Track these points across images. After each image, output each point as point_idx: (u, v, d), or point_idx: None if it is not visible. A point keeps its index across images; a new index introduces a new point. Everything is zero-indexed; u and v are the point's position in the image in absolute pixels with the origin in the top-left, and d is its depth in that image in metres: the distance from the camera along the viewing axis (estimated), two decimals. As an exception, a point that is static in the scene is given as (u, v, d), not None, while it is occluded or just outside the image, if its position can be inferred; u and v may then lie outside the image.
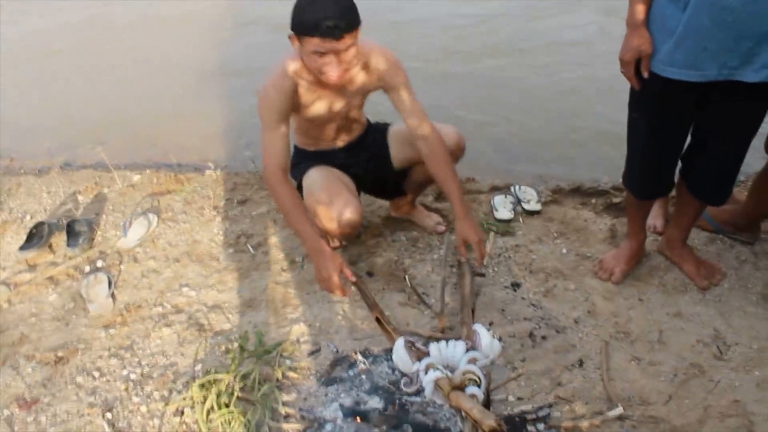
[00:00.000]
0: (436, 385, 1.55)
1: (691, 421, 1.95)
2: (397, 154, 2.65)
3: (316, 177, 2.47)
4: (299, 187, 2.58)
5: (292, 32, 2.08)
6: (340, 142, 2.60)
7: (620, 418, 1.95)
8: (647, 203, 2.49)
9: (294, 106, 2.30)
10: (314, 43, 2.00)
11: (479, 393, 1.50)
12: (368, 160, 2.65)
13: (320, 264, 2.14)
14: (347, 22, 2.00)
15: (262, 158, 2.31)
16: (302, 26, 2.01)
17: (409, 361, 1.67)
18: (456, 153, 2.56)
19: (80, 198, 3.41)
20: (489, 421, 1.36)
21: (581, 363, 2.16)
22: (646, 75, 2.03)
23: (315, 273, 2.21)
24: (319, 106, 2.35)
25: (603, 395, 2.04)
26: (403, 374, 1.72)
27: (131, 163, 3.89)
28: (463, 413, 1.46)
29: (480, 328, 1.72)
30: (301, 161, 2.58)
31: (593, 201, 3.09)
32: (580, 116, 4.09)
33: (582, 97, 4.30)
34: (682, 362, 2.16)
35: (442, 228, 2.87)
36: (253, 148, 4.03)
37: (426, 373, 1.59)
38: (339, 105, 2.39)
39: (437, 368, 1.58)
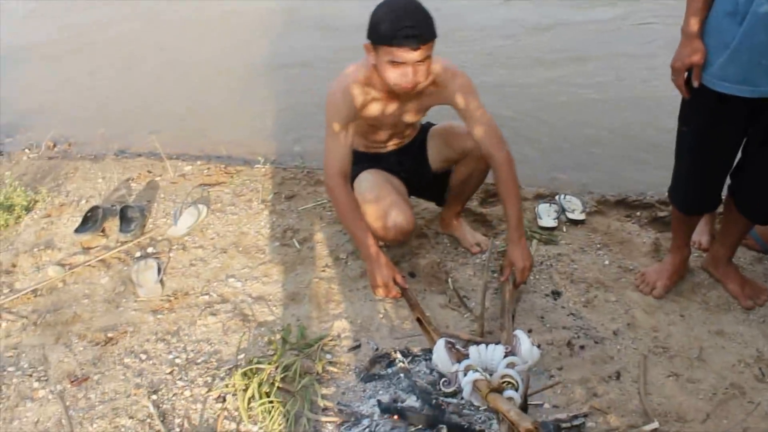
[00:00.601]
0: (475, 386, 1.59)
1: (728, 441, 1.95)
2: (434, 154, 2.67)
3: (367, 180, 2.52)
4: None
5: (368, 40, 2.13)
6: (392, 146, 2.64)
7: (655, 432, 1.95)
8: (693, 219, 2.48)
9: (359, 112, 2.34)
10: (391, 53, 2.06)
11: (517, 396, 1.52)
12: (411, 162, 2.68)
13: (375, 271, 2.26)
14: (424, 34, 2.05)
15: (323, 162, 2.38)
16: (379, 36, 2.07)
17: (449, 362, 1.71)
18: (487, 152, 2.54)
19: (133, 185, 3.51)
20: (526, 423, 1.39)
21: (618, 375, 2.17)
22: (696, 84, 2.03)
23: (369, 278, 2.32)
24: (383, 114, 2.39)
25: (639, 409, 2.04)
26: (442, 374, 1.76)
27: (182, 153, 3.99)
28: (501, 415, 1.49)
29: (521, 334, 1.74)
30: (353, 162, 2.62)
31: (638, 214, 3.08)
32: (632, 128, 4.07)
33: (636, 110, 4.27)
34: (722, 381, 2.15)
35: (477, 249, 2.83)
36: (301, 143, 4.12)
37: (465, 374, 1.62)
38: (402, 116, 2.44)
39: (476, 370, 1.61)
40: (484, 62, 5.04)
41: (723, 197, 2.41)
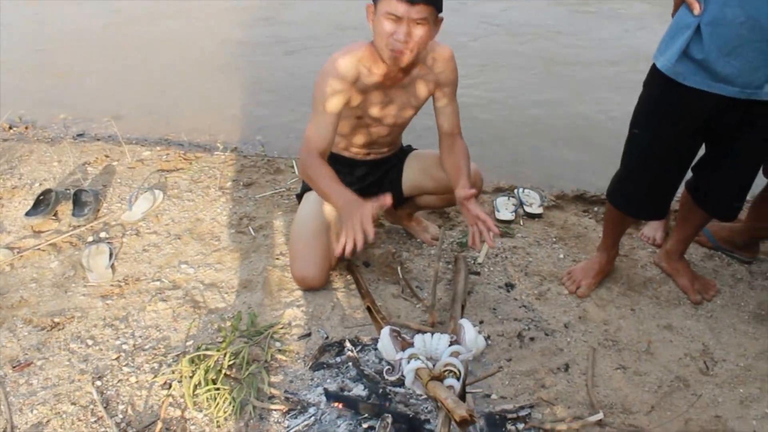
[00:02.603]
0: (417, 374, 1.58)
1: (671, 433, 1.97)
2: (410, 179, 2.62)
3: (308, 214, 2.51)
4: (299, 197, 2.66)
5: (371, 1, 2.11)
6: (369, 155, 2.58)
7: (600, 424, 1.96)
8: (627, 221, 2.49)
9: (350, 93, 2.27)
10: (389, 4, 2.01)
11: (457, 385, 1.52)
12: (382, 177, 2.64)
13: (352, 210, 2.00)
14: None
15: (304, 136, 2.28)
16: None
17: (393, 350, 1.70)
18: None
19: (89, 169, 3.45)
20: (461, 411, 1.38)
21: (567, 367, 2.18)
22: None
23: (344, 221, 2.03)
24: (374, 99, 2.34)
25: (586, 401, 2.06)
26: (387, 362, 1.75)
27: (142, 138, 3.94)
28: (439, 403, 1.49)
29: (465, 323, 1.74)
30: None
31: (596, 209, 3.11)
32: (595, 124, 4.12)
33: (600, 108, 4.32)
34: (668, 374, 2.18)
35: (433, 242, 2.81)
36: (264, 132, 4.11)
37: (408, 362, 1.62)
38: (394, 104, 2.38)
39: (419, 358, 1.61)
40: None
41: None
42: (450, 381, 1.53)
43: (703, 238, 2.83)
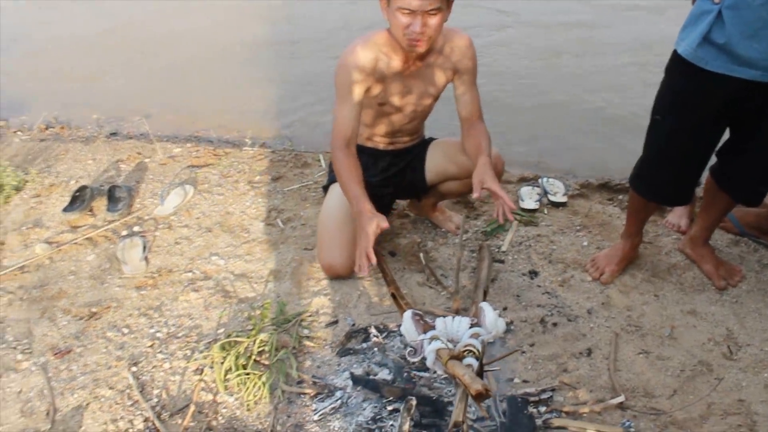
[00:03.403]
0: (437, 354, 1.62)
1: (693, 416, 1.99)
2: (433, 166, 2.66)
3: (332, 202, 2.59)
4: (325, 189, 2.73)
5: None
6: (392, 146, 2.64)
7: (622, 407, 1.99)
8: (650, 208, 2.50)
9: (370, 81, 2.33)
10: (402, 0, 2.08)
11: (475, 364, 1.56)
12: (405, 168, 2.69)
13: (362, 225, 2.18)
14: None
15: (332, 128, 2.37)
16: None
17: (415, 333, 1.74)
18: None
19: (122, 166, 3.55)
20: (476, 385, 1.43)
21: (590, 352, 2.21)
22: None
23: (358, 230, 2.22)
24: (393, 88, 2.39)
25: (608, 385, 2.08)
26: (410, 345, 1.79)
27: (173, 136, 4.02)
28: (457, 380, 1.53)
29: (485, 306, 1.78)
30: None
31: (620, 197, 3.12)
32: (621, 113, 4.12)
33: (626, 95, 4.31)
34: (691, 359, 2.19)
35: (458, 231, 2.85)
36: (291, 128, 4.17)
37: (429, 343, 1.66)
38: (413, 92, 2.43)
39: (440, 340, 1.65)
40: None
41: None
42: (469, 360, 1.58)
43: (729, 224, 2.82)
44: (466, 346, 1.63)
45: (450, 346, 1.65)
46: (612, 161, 3.57)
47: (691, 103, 2.14)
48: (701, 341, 2.26)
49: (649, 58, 4.77)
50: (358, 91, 2.32)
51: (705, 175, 2.41)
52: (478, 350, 1.61)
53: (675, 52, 2.13)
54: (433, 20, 2.14)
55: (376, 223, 2.13)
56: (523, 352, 2.19)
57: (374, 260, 2.08)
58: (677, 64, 2.12)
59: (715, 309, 2.41)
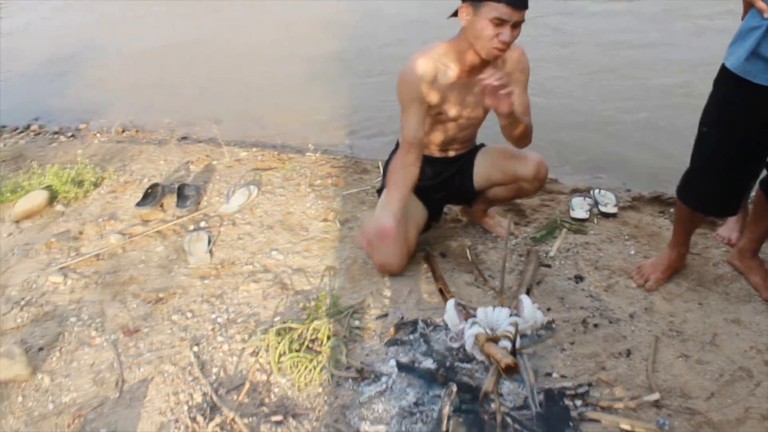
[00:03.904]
0: (476, 339, 1.73)
1: (730, 419, 2.02)
2: (481, 172, 2.76)
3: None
4: (379, 191, 2.85)
5: (466, 1, 2.29)
6: (445, 154, 2.76)
7: (657, 405, 2.04)
8: (697, 218, 2.53)
9: (430, 91, 2.46)
10: (498, 9, 2.20)
11: (509, 345, 1.66)
12: (455, 173, 2.80)
13: (365, 226, 2.39)
14: None
15: (400, 137, 2.54)
16: None
17: (457, 320, 1.85)
18: (533, 183, 2.67)
19: (192, 167, 3.77)
20: (507, 359, 1.53)
21: (629, 353, 2.27)
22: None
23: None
24: (450, 98, 2.52)
25: (644, 384, 2.14)
26: (452, 331, 1.90)
27: (240, 141, 4.25)
28: (491, 359, 1.63)
29: (524, 298, 1.88)
30: None
31: (671, 210, 3.15)
32: (675, 128, 4.13)
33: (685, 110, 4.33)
34: (731, 365, 2.23)
35: (515, 234, 2.97)
36: (352, 137, 4.33)
37: (470, 328, 1.77)
38: (468, 103, 2.55)
39: (479, 325, 1.76)
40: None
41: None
42: (504, 343, 1.68)
43: (781, 238, 2.83)
44: (503, 331, 1.72)
45: (488, 331, 1.75)
46: (666, 176, 3.60)
47: (737, 115, 2.19)
48: (743, 348, 2.29)
49: (706, 75, 4.77)
50: (420, 101, 2.45)
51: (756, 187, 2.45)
52: (512, 334, 1.70)
53: (723, 65, 2.19)
54: (517, 31, 2.29)
55: (381, 222, 2.33)
56: (563, 350, 2.27)
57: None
58: (725, 78, 2.18)
59: (760, 319, 2.43)
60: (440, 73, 2.44)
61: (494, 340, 1.68)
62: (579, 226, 3.01)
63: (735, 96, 2.17)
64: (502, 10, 2.20)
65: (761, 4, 2.00)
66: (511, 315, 1.81)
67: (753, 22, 2.05)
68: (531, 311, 1.81)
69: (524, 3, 2.22)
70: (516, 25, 2.25)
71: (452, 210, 3.15)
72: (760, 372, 2.19)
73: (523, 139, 2.52)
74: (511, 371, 1.53)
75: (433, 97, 2.48)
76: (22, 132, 4.66)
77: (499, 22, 2.22)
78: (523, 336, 2.12)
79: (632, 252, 2.83)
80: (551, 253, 2.83)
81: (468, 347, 1.74)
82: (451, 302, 1.89)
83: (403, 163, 2.49)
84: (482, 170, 2.75)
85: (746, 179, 2.36)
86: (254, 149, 4.02)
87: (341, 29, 6.38)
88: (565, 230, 2.97)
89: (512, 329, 1.71)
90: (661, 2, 6.24)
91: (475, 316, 1.83)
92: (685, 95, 4.51)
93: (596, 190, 3.29)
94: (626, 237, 2.94)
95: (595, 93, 4.78)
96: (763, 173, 2.44)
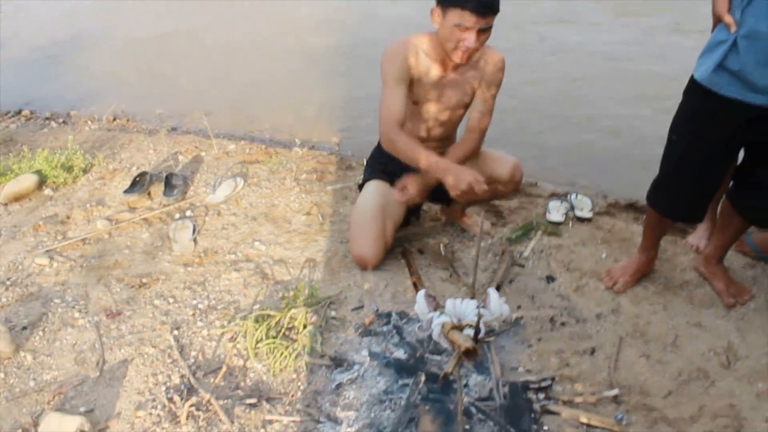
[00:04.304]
0: (442, 327, 1.81)
1: (684, 416, 2.12)
2: None
3: (367, 197, 2.77)
4: (360, 187, 2.91)
5: (437, 5, 2.39)
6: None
7: (616, 401, 2.14)
8: (665, 223, 2.63)
9: (411, 74, 2.55)
10: (461, 16, 2.30)
11: (472, 333, 1.75)
12: None
13: (457, 175, 2.40)
14: (494, 4, 2.32)
15: (379, 116, 2.58)
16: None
17: (426, 310, 1.94)
18: (508, 186, 2.78)
19: (180, 157, 3.84)
20: (467, 343, 1.62)
21: (593, 351, 2.36)
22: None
23: (451, 185, 2.41)
24: (429, 92, 2.61)
25: (606, 381, 2.23)
26: (421, 321, 1.99)
27: (229, 133, 4.33)
28: (454, 345, 1.72)
29: (491, 291, 1.96)
30: (380, 158, 2.85)
31: (645, 217, 3.24)
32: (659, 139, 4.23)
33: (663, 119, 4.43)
34: (690, 365, 2.32)
35: (485, 236, 3.04)
36: (339, 134, 4.40)
37: (438, 317, 1.86)
38: (445, 100, 2.64)
39: (446, 315, 1.84)
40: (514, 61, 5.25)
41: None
42: (468, 331, 1.76)
43: (748, 248, 2.93)
44: (468, 322, 1.81)
45: (455, 320, 1.83)
46: (644, 184, 3.69)
47: (705, 125, 2.29)
48: (702, 351, 2.39)
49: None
50: (403, 80, 2.54)
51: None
52: (478, 326, 1.79)
53: (692, 77, 2.29)
54: (483, 37, 2.38)
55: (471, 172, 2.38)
56: (530, 346, 2.36)
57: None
58: (694, 88, 2.28)
59: (720, 323, 2.53)
60: (421, 59, 2.53)
61: (459, 328, 1.76)
62: (554, 228, 3.10)
63: (702, 106, 2.26)
64: (466, 17, 2.29)
65: (729, 19, 2.09)
66: (478, 307, 1.90)
67: (721, 36, 2.15)
68: (497, 304, 1.90)
69: (489, 9, 2.30)
70: (482, 31, 2.34)
71: (432, 209, 3.24)
72: (715, 373, 2.29)
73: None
74: (471, 355, 1.62)
75: (415, 79, 2.57)
76: (13, 116, 4.71)
77: (463, 28, 2.32)
78: (491, 330, 2.22)
79: (604, 255, 2.92)
80: (525, 254, 2.92)
81: (435, 335, 1.83)
82: (421, 293, 1.98)
83: (407, 138, 2.55)
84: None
85: (712, 187, 2.45)
86: (243, 142, 4.09)
87: (335, 27, 6.46)
88: (540, 232, 3.07)
89: (475, 320, 1.80)
90: (663, 18, 6.35)
91: (443, 306, 1.92)
92: (668, 106, 4.61)
93: (573, 195, 3.38)
94: (599, 241, 3.04)
95: (578, 100, 4.87)
96: (730, 183, 2.54)
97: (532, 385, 2.14)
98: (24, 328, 2.47)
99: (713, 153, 2.33)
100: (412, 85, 2.58)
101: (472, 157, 2.68)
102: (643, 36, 6.05)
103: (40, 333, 2.45)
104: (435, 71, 2.56)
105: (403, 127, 2.58)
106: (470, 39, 2.34)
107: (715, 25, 2.23)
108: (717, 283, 2.69)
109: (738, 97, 2.14)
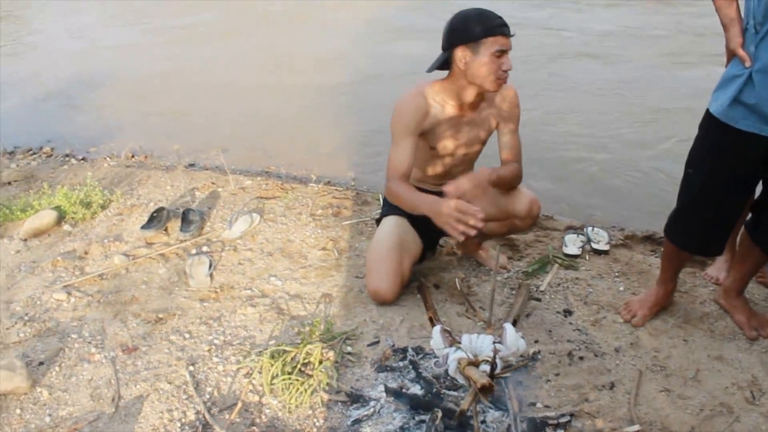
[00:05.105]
0: (458, 363, 1.80)
1: (708, 452, 2.08)
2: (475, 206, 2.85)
3: (383, 234, 2.77)
4: (378, 221, 2.92)
5: (459, 45, 2.43)
6: (441, 188, 2.82)
7: (637, 437, 2.10)
8: (683, 256, 2.60)
9: (424, 126, 2.58)
10: (497, 42, 2.38)
11: (488, 369, 1.73)
12: None
13: (439, 207, 2.36)
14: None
15: (386, 168, 2.62)
16: (479, 32, 2.38)
17: (442, 345, 1.92)
18: (525, 221, 2.78)
19: (197, 193, 3.87)
20: (482, 380, 1.60)
21: (612, 386, 2.32)
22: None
23: (439, 220, 2.37)
24: (445, 133, 2.62)
25: (626, 416, 2.19)
26: (437, 356, 1.97)
27: (245, 169, 4.37)
28: (470, 381, 1.70)
29: (508, 326, 1.95)
30: None
31: (663, 249, 3.21)
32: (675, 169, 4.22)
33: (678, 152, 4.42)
34: (712, 400, 2.28)
35: (501, 270, 3.02)
36: (355, 169, 4.43)
37: (454, 352, 1.84)
38: (463, 138, 2.66)
39: (462, 351, 1.83)
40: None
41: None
42: (484, 367, 1.74)
43: (767, 278, 2.90)
44: (485, 357, 1.79)
45: (471, 356, 1.82)
46: (661, 216, 3.67)
47: (720, 158, 2.28)
48: (725, 385, 2.35)
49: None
50: (412, 134, 2.56)
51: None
52: (495, 362, 1.77)
53: (708, 110, 2.29)
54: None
55: (451, 202, 2.33)
56: (548, 381, 2.32)
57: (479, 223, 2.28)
58: (709, 122, 2.27)
59: (743, 356, 2.48)
60: (434, 108, 2.55)
61: (475, 364, 1.75)
62: (571, 262, 3.08)
63: (718, 140, 2.26)
64: (502, 41, 2.38)
65: (742, 53, 2.10)
66: (494, 342, 1.88)
67: (735, 70, 2.15)
68: (514, 339, 1.88)
69: (510, 30, 2.43)
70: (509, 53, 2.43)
71: (448, 243, 3.23)
72: (739, 408, 2.24)
73: (512, 186, 2.69)
74: (487, 392, 1.60)
75: (427, 132, 2.59)
76: (34, 154, 4.79)
77: (500, 54, 2.38)
78: (508, 366, 2.19)
79: (621, 288, 2.90)
80: (542, 287, 2.90)
81: (451, 371, 1.81)
82: (437, 328, 1.97)
83: (406, 186, 2.58)
84: (477, 205, 2.82)
85: (730, 220, 2.43)
86: (259, 178, 4.13)
87: (345, 63, 6.57)
88: (556, 265, 3.05)
89: (491, 354, 1.78)
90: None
91: (459, 342, 1.91)
92: (684, 139, 4.60)
93: (590, 228, 3.36)
94: (616, 274, 3.01)
95: (594, 132, 4.88)
96: (749, 215, 2.52)
97: (550, 421, 2.10)
98: (41, 363, 2.48)
99: (730, 187, 2.32)
100: (427, 133, 2.60)
101: (514, 182, 2.71)
102: (653, 69, 6.07)
103: (57, 368, 2.46)
104: (450, 112, 2.58)
105: (408, 179, 2.61)
106: (508, 62, 2.42)
107: (729, 60, 2.24)
108: (738, 315, 2.65)
109: (754, 131, 2.14)
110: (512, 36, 2.43)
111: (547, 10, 8.31)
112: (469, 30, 2.40)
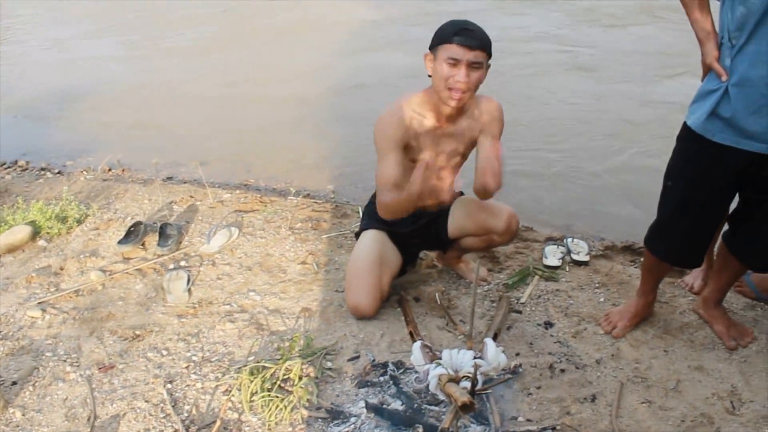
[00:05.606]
0: (439, 379, 1.78)
1: (690, 463, 2.08)
2: (455, 222, 2.85)
3: (363, 249, 2.76)
4: (357, 235, 2.90)
5: (428, 51, 2.42)
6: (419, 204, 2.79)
7: (619, 450, 2.09)
8: (663, 267, 2.61)
9: (406, 138, 2.56)
10: (449, 49, 2.33)
11: (468, 385, 1.71)
12: (431, 221, 2.87)
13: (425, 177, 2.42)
14: (483, 38, 2.36)
15: (376, 182, 2.60)
16: (442, 36, 2.36)
17: (423, 361, 1.90)
18: (503, 236, 2.75)
19: (175, 207, 3.83)
20: (463, 398, 1.58)
21: (594, 398, 2.32)
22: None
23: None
24: (426, 146, 2.60)
25: (608, 429, 2.18)
26: (418, 372, 1.95)
27: (224, 183, 4.34)
28: (450, 398, 1.68)
29: (488, 341, 1.94)
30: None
31: (642, 260, 3.22)
32: (652, 181, 4.24)
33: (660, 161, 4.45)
34: (693, 411, 2.28)
35: (481, 283, 3.01)
36: (335, 182, 4.41)
37: (435, 369, 1.82)
38: (443, 148, 2.63)
39: (443, 367, 1.81)
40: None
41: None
42: (465, 384, 1.73)
43: (747, 288, 2.91)
44: (465, 373, 1.78)
45: (452, 372, 1.80)
46: (640, 226, 3.69)
47: (699, 171, 2.29)
48: (705, 395, 2.35)
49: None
50: (396, 148, 2.54)
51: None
52: (476, 378, 1.76)
53: (685, 123, 2.30)
54: (474, 74, 2.39)
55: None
56: (530, 394, 2.31)
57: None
58: (687, 135, 2.29)
59: (723, 366, 2.49)
60: (415, 121, 2.53)
61: (456, 380, 1.73)
62: (551, 273, 3.08)
63: (695, 152, 2.27)
64: (454, 50, 2.32)
65: (718, 68, 2.11)
66: (475, 357, 1.87)
67: (711, 85, 2.17)
68: (494, 354, 1.87)
69: (477, 43, 2.34)
70: (473, 67, 2.36)
71: (428, 256, 3.22)
72: (720, 418, 2.25)
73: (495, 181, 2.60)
74: (468, 409, 1.59)
75: (409, 144, 2.57)
76: (9, 167, 4.73)
77: (453, 62, 2.34)
78: (489, 380, 2.18)
79: (602, 299, 2.90)
80: (522, 300, 2.89)
81: (432, 387, 1.80)
82: (417, 344, 1.95)
83: (404, 199, 2.53)
84: (457, 220, 2.82)
85: (709, 231, 2.44)
86: (237, 191, 4.09)
87: (327, 75, 6.55)
88: (537, 277, 3.04)
89: (472, 370, 1.77)
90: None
91: (440, 357, 1.89)
92: (664, 152, 4.64)
93: (569, 239, 3.37)
94: (597, 285, 3.02)
95: (574, 145, 4.91)
96: (726, 227, 2.53)
97: (532, 435, 2.09)
98: (14, 383, 2.43)
99: (709, 199, 2.33)
100: (409, 146, 2.59)
101: (482, 197, 2.65)
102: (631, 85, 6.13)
103: (30, 388, 2.41)
104: (430, 124, 2.56)
105: (398, 187, 2.56)
106: (460, 74, 2.35)
107: (705, 74, 2.25)
108: (717, 325, 2.66)
109: (731, 144, 2.15)
110: (477, 49, 2.35)
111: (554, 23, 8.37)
112: (434, 37, 2.41)
